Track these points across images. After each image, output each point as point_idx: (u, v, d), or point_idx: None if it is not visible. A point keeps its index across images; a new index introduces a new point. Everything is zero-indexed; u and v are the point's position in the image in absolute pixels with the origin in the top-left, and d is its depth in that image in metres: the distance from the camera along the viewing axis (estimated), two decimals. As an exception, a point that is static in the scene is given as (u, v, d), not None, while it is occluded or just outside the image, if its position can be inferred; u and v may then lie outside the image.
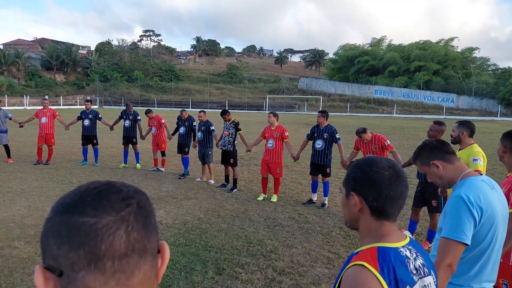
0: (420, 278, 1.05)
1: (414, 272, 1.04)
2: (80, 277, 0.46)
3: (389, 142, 5.29)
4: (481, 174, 1.81)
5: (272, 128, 6.25)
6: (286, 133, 6.22)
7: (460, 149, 3.49)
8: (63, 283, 0.46)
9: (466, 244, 1.60)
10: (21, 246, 4.10)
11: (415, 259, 1.07)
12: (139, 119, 8.82)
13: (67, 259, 0.46)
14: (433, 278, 1.11)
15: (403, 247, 1.07)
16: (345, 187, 1.16)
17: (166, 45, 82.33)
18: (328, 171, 5.99)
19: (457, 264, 1.60)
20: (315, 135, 6.03)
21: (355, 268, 1.00)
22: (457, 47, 49.10)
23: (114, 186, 0.52)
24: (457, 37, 53.48)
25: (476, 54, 49.09)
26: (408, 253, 1.07)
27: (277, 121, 6.31)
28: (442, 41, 49.49)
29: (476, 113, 39.83)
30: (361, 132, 5.35)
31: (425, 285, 1.06)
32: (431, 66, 45.38)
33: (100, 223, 0.47)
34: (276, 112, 6.53)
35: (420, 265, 1.07)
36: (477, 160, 3.33)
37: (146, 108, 8.88)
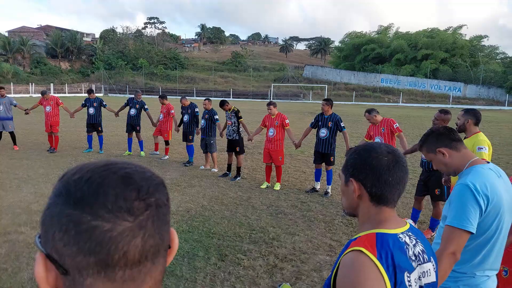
0: (419, 264, 1.04)
1: (413, 258, 1.03)
2: (87, 284, 0.42)
3: (397, 125, 5.31)
4: (488, 162, 1.78)
5: (272, 117, 6.24)
6: (287, 121, 6.21)
7: (465, 138, 3.45)
8: (67, 282, 0.43)
9: (471, 233, 1.58)
10: (27, 231, 4.18)
11: (414, 245, 1.06)
12: (147, 108, 8.79)
13: (74, 262, 0.41)
14: (433, 265, 1.10)
15: (402, 233, 1.06)
16: (344, 174, 1.14)
17: (170, 32, 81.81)
18: (332, 159, 5.97)
19: (461, 252, 1.58)
20: (320, 123, 6.00)
21: (353, 254, 1.00)
22: (465, 35, 48.23)
23: (133, 180, 0.45)
24: (465, 25, 52.38)
25: (485, 42, 48.19)
26: (407, 239, 1.06)
27: (276, 109, 6.29)
28: (450, 29, 48.52)
29: (484, 102, 39.27)
30: (369, 111, 5.39)
31: (424, 272, 1.05)
32: (439, 54, 44.60)
33: (115, 230, 0.41)
34: (275, 101, 6.49)
35: (420, 252, 1.06)
36: (482, 148, 3.29)
37: (150, 97, 8.85)
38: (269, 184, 6.37)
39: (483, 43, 47.93)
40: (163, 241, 0.47)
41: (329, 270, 3.45)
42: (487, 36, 48.60)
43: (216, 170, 7.34)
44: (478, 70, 42.56)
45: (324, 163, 6.04)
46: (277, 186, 6.24)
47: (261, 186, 6.28)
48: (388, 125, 5.29)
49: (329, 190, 5.95)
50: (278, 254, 3.75)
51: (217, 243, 3.97)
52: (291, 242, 4.06)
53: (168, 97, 8.76)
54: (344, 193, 1.15)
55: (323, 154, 5.97)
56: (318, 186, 6.14)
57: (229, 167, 7.07)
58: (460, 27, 47.99)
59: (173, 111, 8.40)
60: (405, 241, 1.05)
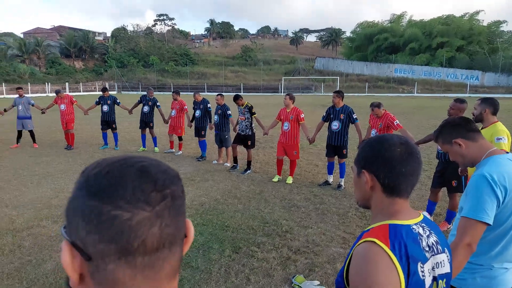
0: (433, 255, 1.04)
1: (427, 249, 1.03)
2: (109, 269, 0.45)
3: (398, 122, 5.21)
4: (507, 153, 1.73)
5: (288, 110, 6.19)
6: (302, 115, 6.13)
7: (482, 128, 3.35)
8: (91, 268, 0.46)
9: (488, 224, 1.55)
10: (49, 225, 4.33)
11: (428, 236, 1.06)
12: (159, 105, 8.89)
13: (97, 249, 0.45)
14: (447, 256, 1.09)
15: (415, 224, 1.06)
16: (357, 166, 1.15)
17: (180, 29, 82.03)
18: (344, 152, 5.93)
19: (477, 244, 1.55)
20: (331, 116, 5.94)
21: (366, 245, 1.00)
22: (482, 20, 46.68)
23: (149, 173, 0.48)
24: (483, 10, 50.60)
25: (504, 27, 46.55)
26: (420, 230, 1.05)
27: (293, 103, 6.24)
28: (467, 15, 46.97)
29: (503, 90, 37.99)
30: (375, 105, 5.32)
31: (437, 263, 1.05)
32: (455, 42, 43.32)
33: (134, 219, 0.44)
34: (293, 94, 6.44)
35: (434, 243, 1.06)
36: (501, 139, 3.19)
37: (162, 93, 8.92)
38: (281, 177, 6.38)
39: (501, 29, 46.25)
40: (179, 230, 0.49)
41: (342, 262, 3.45)
42: (506, 21, 46.77)
43: (229, 165, 7.39)
44: (497, 57, 41.10)
45: (336, 156, 6.00)
46: (290, 180, 6.25)
47: (273, 180, 6.30)
48: (386, 121, 5.22)
49: (342, 183, 5.92)
50: (292, 246, 3.77)
51: (231, 236, 4.02)
52: (304, 234, 4.08)
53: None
54: (357, 185, 1.15)
55: (335, 147, 5.93)
56: (331, 179, 6.12)
57: (235, 160, 7.09)
58: (477, 12, 46.42)
59: (186, 107, 8.47)
60: (418, 232, 1.05)
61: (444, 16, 47.80)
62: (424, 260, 1.01)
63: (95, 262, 0.45)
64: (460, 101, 4.15)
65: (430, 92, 39.95)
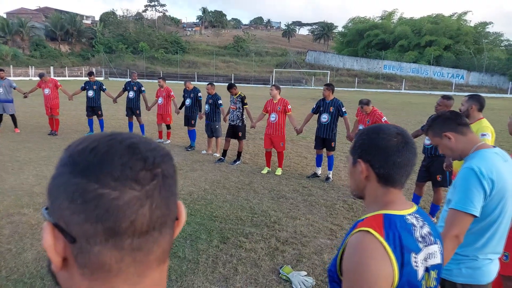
0: (426, 246, 1.04)
1: (420, 240, 1.03)
2: (95, 251, 0.42)
3: (385, 119, 5.24)
4: (494, 147, 1.77)
5: (275, 102, 6.16)
6: (289, 106, 6.13)
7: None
8: (75, 250, 0.43)
9: (475, 216, 1.59)
10: (30, 213, 4.21)
11: (421, 227, 1.06)
12: (143, 90, 8.73)
13: (82, 230, 0.41)
14: (439, 247, 1.10)
15: (409, 214, 1.06)
16: (352, 155, 1.13)
17: (171, 16, 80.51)
18: (333, 145, 5.96)
19: (464, 235, 1.60)
20: (321, 109, 5.95)
21: (360, 234, 1.00)
22: (470, 21, 47.54)
23: (139, 150, 0.44)
24: (470, 11, 51.35)
25: (489, 28, 47.55)
26: (414, 221, 1.05)
27: (279, 94, 6.23)
28: (455, 15, 47.65)
29: (486, 89, 38.95)
30: (365, 103, 5.33)
31: (430, 253, 1.05)
32: (443, 41, 43.96)
33: (122, 199, 0.41)
34: (280, 85, 6.40)
35: (427, 233, 1.06)
36: (485, 135, 3.28)
37: (151, 81, 8.75)
38: (270, 169, 6.38)
39: (487, 30, 47.17)
40: (170, 211, 0.46)
41: (329, 253, 3.49)
42: (492, 23, 47.84)
43: (218, 155, 7.34)
44: (482, 57, 42.01)
45: (325, 148, 6.03)
46: (279, 171, 6.25)
47: (262, 171, 6.29)
48: (374, 118, 5.24)
49: (330, 176, 5.96)
50: (280, 237, 3.78)
51: (219, 226, 4.00)
52: (292, 225, 4.10)
53: (168, 81, 8.68)
54: (352, 174, 1.14)
55: (324, 139, 5.95)
56: (319, 171, 6.15)
57: (224, 153, 7.01)
58: (465, 13, 47.15)
59: (172, 93, 8.31)
60: (412, 222, 1.05)
61: (434, 15, 48.36)
62: (417, 251, 1.01)
63: (79, 244, 0.42)
64: (447, 97, 4.24)
65: (417, 89, 40.57)
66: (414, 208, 1.10)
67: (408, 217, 1.05)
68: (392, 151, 1.04)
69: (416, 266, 1.00)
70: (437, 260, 1.08)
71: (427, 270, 1.04)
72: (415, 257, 1.00)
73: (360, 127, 5.40)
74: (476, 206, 1.59)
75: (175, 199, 0.48)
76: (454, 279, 1.74)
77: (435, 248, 1.08)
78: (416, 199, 4.68)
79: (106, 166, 0.42)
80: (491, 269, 1.73)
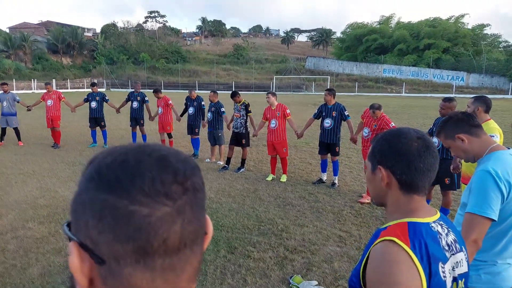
0: (453, 254, 1.00)
1: (446, 248, 0.98)
2: (125, 273, 0.39)
3: (393, 125, 5.13)
4: (509, 148, 1.74)
5: (273, 108, 6.19)
6: (288, 111, 6.16)
7: (476, 125, 3.38)
8: (103, 272, 0.40)
9: (493, 220, 1.55)
10: (35, 226, 4.16)
11: (447, 234, 1.01)
12: (147, 100, 8.74)
13: (111, 250, 0.39)
14: (465, 254, 1.05)
15: (434, 222, 1.02)
16: (371, 161, 1.09)
17: (171, 26, 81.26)
18: (337, 150, 5.92)
19: (482, 240, 1.55)
20: (323, 114, 5.93)
21: (385, 244, 0.95)
22: (467, 24, 47.71)
23: (169, 161, 0.42)
24: (467, 14, 51.64)
25: (487, 30, 47.66)
26: (439, 229, 1.01)
27: (276, 100, 6.22)
28: (452, 18, 47.97)
29: (487, 91, 38.88)
30: (376, 107, 5.23)
31: (457, 262, 1.01)
32: (441, 43, 44.16)
33: (154, 215, 0.39)
34: (277, 92, 6.41)
35: (452, 241, 1.01)
36: (493, 136, 3.23)
37: (151, 91, 8.76)
38: (275, 176, 6.33)
39: (485, 32, 47.37)
40: (201, 227, 0.44)
41: (339, 261, 3.42)
42: (489, 25, 48.09)
43: (222, 163, 7.29)
44: (481, 59, 42.10)
45: (329, 153, 5.98)
46: (284, 178, 6.20)
47: (267, 178, 6.24)
48: (382, 123, 5.14)
49: (336, 181, 5.90)
50: (288, 245, 3.72)
51: (226, 236, 3.94)
52: (300, 233, 4.03)
53: (170, 91, 8.70)
54: (371, 181, 1.09)
55: (328, 144, 5.91)
56: (324, 177, 6.10)
57: (228, 161, 6.98)
58: (462, 16, 47.46)
59: (170, 102, 8.32)
60: (437, 230, 1.00)
61: (431, 19, 48.67)
62: (445, 260, 0.97)
63: (108, 265, 0.39)
64: (449, 100, 4.22)
65: (418, 92, 40.57)
66: (438, 215, 1.06)
67: (433, 224, 1.01)
68: (414, 156, 1.00)
69: (444, 276, 0.95)
70: (464, 268, 1.04)
71: (455, 280, 1.00)
72: (442, 267, 0.95)
73: (365, 130, 5.32)
74: (494, 209, 1.56)
75: (204, 213, 0.45)
76: (473, 286, 1.69)
77: (462, 256, 1.03)
78: (424, 203, 4.61)
79: (136, 180, 0.39)
80: (511, 274, 1.68)
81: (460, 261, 1.02)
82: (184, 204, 0.41)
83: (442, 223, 1.04)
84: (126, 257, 0.39)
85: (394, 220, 1.03)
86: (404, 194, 1.03)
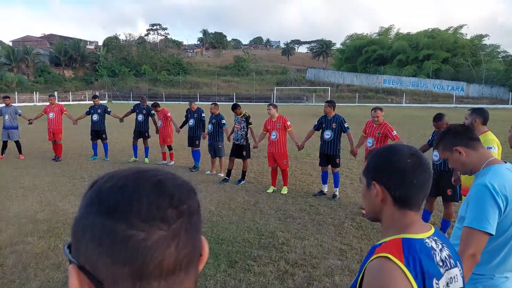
0: (447, 270, 1.00)
1: (441, 264, 0.99)
2: None
3: (395, 133, 5.17)
4: (506, 162, 1.75)
5: (274, 120, 6.21)
6: (288, 123, 6.18)
7: (473, 138, 3.40)
8: None
9: (491, 234, 1.55)
10: (34, 241, 4.14)
11: (441, 250, 1.02)
12: (153, 114, 8.74)
13: (109, 273, 0.41)
14: (459, 270, 1.06)
15: (428, 238, 1.03)
16: (366, 177, 1.10)
17: (173, 38, 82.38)
18: (337, 161, 5.92)
19: (480, 253, 1.56)
20: (323, 125, 5.95)
21: (379, 261, 0.96)
22: (466, 34, 48.13)
23: (165, 187, 0.44)
24: (466, 25, 52.16)
25: (486, 41, 48.08)
26: (433, 244, 1.02)
27: (277, 112, 6.26)
28: (451, 29, 48.54)
29: (487, 101, 39.03)
30: (379, 108, 5.27)
31: (451, 277, 1.01)
32: (440, 54, 44.56)
33: (150, 239, 0.40)
34: (278, 104, 6.46)
35: (446, 257, 1.02)
36: (491, 148, 3.24)
37: (153, 102, 8.82)
38: (275, 188, 6.32)
39: (484, 42, 47.90)
40: (196, 249, 0.46)
41: (340, 274, 3.38)
42: (487, 35, 48.58)
43: (222, 175, 7.29)
44: (480, 69, 42.39)
45: (330, 165, 5.98)
46: (284, 190, 6.19)
47: (268, 191, 6.23)
48: (384, 131, 5.17)
49: (337, 193, 5.88)
50: (289, 259, 3.69)
51: (226, 249, 3.91)
52: (301, 246, 4.00)
53: (171, 102, 8.78)
54: (366, 197, 1.11)
55: (328, 156, 5.92)
56: (325, 189, 6.08)
57: (229, 173, 6.97)
58: (461, 26, 48.02)
59: (169, 114, 8.39)
60: (431, 246, 1.01)
61: (430, 30, 49.25)
62: (439, 276, 0.97)
63: (106, 286, 0.41)
64: (438, 118, 4.34)
65: (418, 102, 40.73)
66: (432, 230, 1.07)
67: (427, 240, 1.02)
68: (408, 172, 1.02)
69: None
70: (458, 284, 1.04)
71: (449, 295, 1.00)
72: (437, 283, 0.96)
73: (369, 140, 5.30)
74: (491, 223, 1.57)
75: (199, 235, 0.47)
76: None
77: (456, 272, 1.04)
78: (426, 214, 4.59)
79: (133, 206, 0.41)
80: (509, 287, 1.68)
81: (454, 277, 1.03)
82: (179, 227, 0.43)
83: (437, 238, 1.05)
84: (123, 280, 0.40)
85: (389, 236, 1.04)
86: (399, 210, 1.05)
